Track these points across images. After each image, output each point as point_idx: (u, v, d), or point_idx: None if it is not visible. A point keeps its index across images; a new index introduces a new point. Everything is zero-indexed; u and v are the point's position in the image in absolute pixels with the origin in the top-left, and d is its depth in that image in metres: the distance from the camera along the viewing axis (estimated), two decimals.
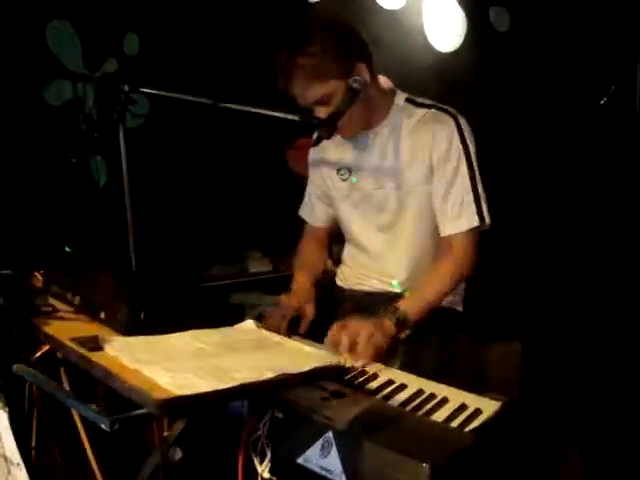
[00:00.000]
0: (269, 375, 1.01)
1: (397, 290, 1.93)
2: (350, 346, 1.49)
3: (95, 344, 1.07)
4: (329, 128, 1.58)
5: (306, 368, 1.07)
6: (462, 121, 1.83)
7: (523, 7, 3.37)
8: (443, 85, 3.07)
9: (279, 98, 1.77)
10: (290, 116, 1.54)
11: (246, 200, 2.99)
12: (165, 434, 1.43)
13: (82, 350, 1.05)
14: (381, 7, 3.22)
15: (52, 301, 1.36)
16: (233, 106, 1.58)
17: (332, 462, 1.21)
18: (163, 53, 2.82)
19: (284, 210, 2.31)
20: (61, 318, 1.25)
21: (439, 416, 1.31)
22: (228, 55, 2.93)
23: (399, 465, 1.10)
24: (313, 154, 2.06)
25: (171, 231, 2.80)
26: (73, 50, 2.67)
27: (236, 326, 1.29)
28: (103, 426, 0.89)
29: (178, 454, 1.23)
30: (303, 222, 2.18)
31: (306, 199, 2.14)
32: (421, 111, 1.86)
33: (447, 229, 1.83)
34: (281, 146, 3.01)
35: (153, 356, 1.05)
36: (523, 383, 2.83)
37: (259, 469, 1.31)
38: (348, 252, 2.08)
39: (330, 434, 1.21)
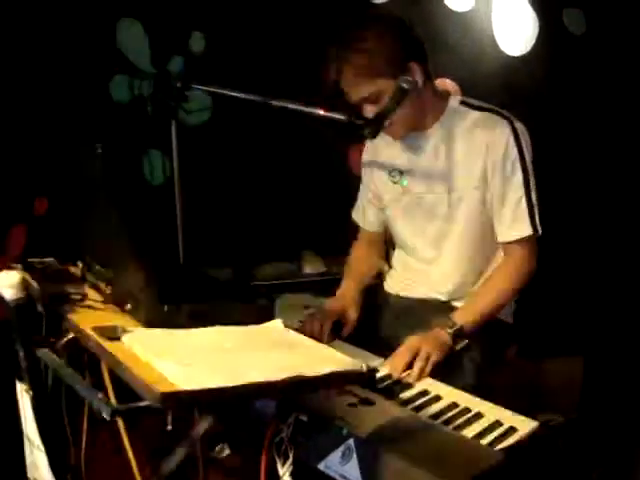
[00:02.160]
0: (283, 376, 0.98)
1: (444, 299, 1.88)
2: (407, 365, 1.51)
3: (113, 333, 1.07)
4: (375, 128, 1.53)
5: (324, 371, 1.03)
6: (518, 126, 1.76)
7: (600, 9, 3.19)
8: (511, 91, 2.96)
9: (332, 97, 1.75)
10: (337, 115, 1.51)
11: (304, 200, 2.98)
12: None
13: (99, 339, 1.06)
14: (449, 9, 3.14)
15: (88, 290, 1.38)
16: (277, 103, 1.56)
17: (352, 470, 1.17)
18: (229, 52, 2.85)
19: (340, 211, 2.28)
20: (90, 307, 1.27)
21: (470, 432, 1.25)
22: (291, 54, 2.93)
23: None
24: (366, 156, 2.03)
25: (226, 228, 2.83)
26: (141, 48, 2.74)
27: (263, 325, 1.27)
28: (104, 414, 0.89)
29: (226, 451, 1.22)
30: (358, 226, 2.14)
31: (358, 202, 2.11)
32: (476, 114, 1.80)
33: (502, 236, 1.79)
34: (340, 147, 2.99)
35: (169, 349, 1.04)
36: (585, 402, 2.71)
37: (280, 471, 1.30)
38: (397, 257, 2.04)
39: (352, 441, 1.17)
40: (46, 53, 2.60)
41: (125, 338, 1.06)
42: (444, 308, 1.84)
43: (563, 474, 2.17)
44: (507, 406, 1.56)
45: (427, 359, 1.53)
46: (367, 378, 1.13)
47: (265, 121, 2.70)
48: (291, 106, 1.56)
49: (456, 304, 1.86)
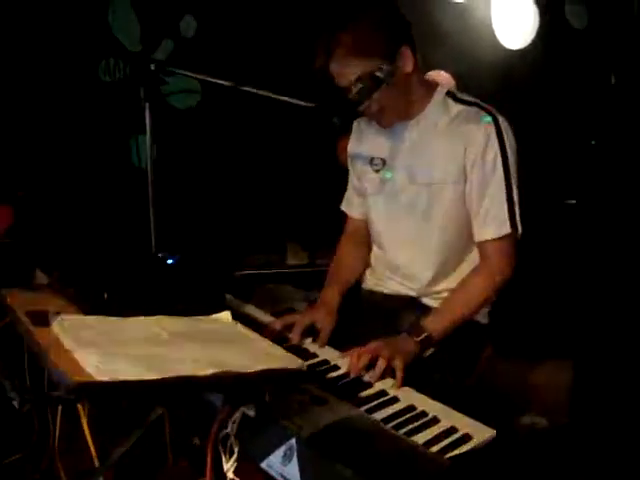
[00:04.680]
0: (210, 371, 0.94)
1: (414, 295, 1.83)
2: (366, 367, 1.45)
3: (44, 319, 1.03)
4: (347, 116, 1.48)
5: (257, 368, 0.98)
6: (502, 122, 1.70)
7: (602, 2, 3.10)
8: (510, 85, 2.89)
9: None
10: (305, 103, 1.46)
11: (291, 191, 2.93)
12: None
13: (28, 323, 1.02)
14: (448, 1, 3.05)
15: (40, 274, 1.34)
16: (246, 88, 1.51)
17: (292, 471, 1.13)
18: (220, 36, 2.81)
19: (327, 203, 2.24)
20: (34, 291, 1.23)
21: (421, 438, 1.20)
22: (282, 39, 2.88)
23: None
24: (351, 145, 1.97)
25: (211, 217, 2.79)
26: (131, 30, 2.70)
27: (211, 316, 1.23)
28: (14, 403, 0.85)
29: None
30: (344, 219, 2.06)
31: (347, 193, 2.05)
32: (460, 107, 1.74)
33: (478, 234, 1.73)
34: (328, 138, 2.94)
35: (97, 338, 1.00)
36: (575, 407, 2.65)
37: (225, 467, 1.26)
38: (372, 252, 1.97)
39: (293, 441, 1.13)
40: (37, 37, 2.57)
41: (54, 325, 1.02)
42: (414, 305, 1.79)
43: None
44: (486, 409, 1.52)
45: (389, 361, 1.46)
46: (307, 377, 1.08)
47: (254, 110, 2.66)
48: (259, 92, 1.50)
49: (425, 301, 1.82)
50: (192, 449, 1.73)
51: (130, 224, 2.01)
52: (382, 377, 1.44)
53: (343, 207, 2.07)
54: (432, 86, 1.79)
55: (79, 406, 1.76)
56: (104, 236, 1.45)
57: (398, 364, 1.44)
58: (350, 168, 2.02)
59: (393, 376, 1.44)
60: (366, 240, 2.02)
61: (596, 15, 3.12)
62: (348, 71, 1.63)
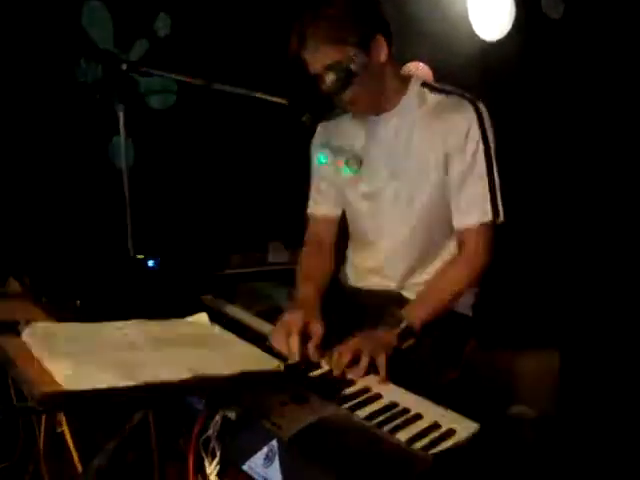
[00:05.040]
0: (185, 375, 0.92)
1: (394, 287, 1.82)
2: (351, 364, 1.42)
3: (14, 328, 1.01)
4: (318, 110, 1.46)
5: (233, 371, 0.97)
6: (482, 108, 1.70)
7: None
8: (487, 76, 2.89)
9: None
10: (276, 99, 1.44)
11: (273, 191, 2.92)
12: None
13: None
14: None
15: (12, 282, 1.32)
16: (218, 86, 1.49)
17: (274, 473, 1.12)
18: (195, 35, 2.78)
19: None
20: (7, 298, 1.21)
21: (405, 435, 1.18)
22: (258, 37, 2.85)
23: None
24: (317, 141, 1.91)
25: (192, 218, 2.77)
26: (105, 30, 2.67)
27: (188, 318, 1.21)
28: None
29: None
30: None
31: (311, 194, 1.97)
32: (437, 97, 1.73)
33: (458, 222, 1.72)
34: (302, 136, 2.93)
35: (69, 346, 0.98)
36: (562, 398, 2.66)
37: (207, 470, 1.25)
38: (351, 248, 1.96)
39: (275, 443, 1.12)
40: (11, 36, 2.53)
41: (24, 334, 1.00)
42: (395, 299, 1.78)
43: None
44: (471, 401, 1.51)
45: (371, 356, 1.44)
46: (285, 378, 1.06)
47: (232, 108, 2.64)
48: (231, 90, 1.48)
49: (406, 294, 1.81)
50: (179, 453, 1.72)
51: (108, 227, 1.98)
52: (367, 373, 1.42)
53: (312, 210, 1.97)
54: (406, 78, 1.77)
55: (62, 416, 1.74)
56: (80, 240, 1.43)
57: (381, 361, 1.42)
58: (316, 172, 1.94)
59: (376, 372, 1.43)
60: (329, 246, 1.94)
61: (573, 5, 3.13)
62: (320, 57, 1.60)
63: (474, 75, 2.86)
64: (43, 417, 1.97)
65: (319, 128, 1.89)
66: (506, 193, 1.74)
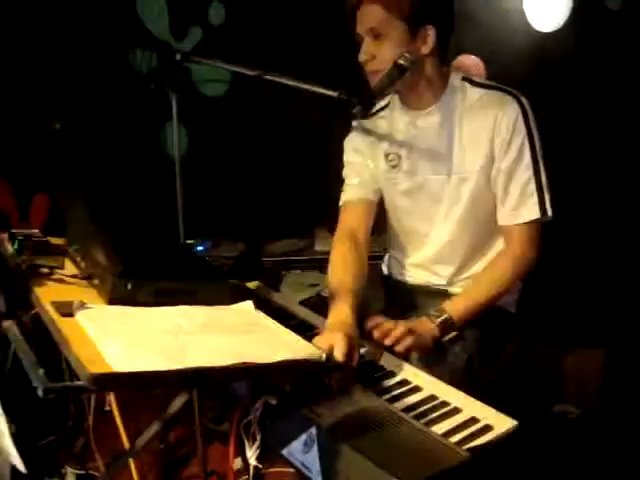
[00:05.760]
0: (229, 362, 0.95)
1: (443, 283, 1.83)
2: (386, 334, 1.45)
3: (68, 309, 1.06)
4: (365, 107, 1.47)
5: (276, 359, 1.00)
6: (526, 103, 1.66)
7: None
8: (541, 69, 2.83)
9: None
10: (327, 92, 1.46)
11: (320, 176, 2.93)
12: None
13: (53, 314, 1.05)
14: None
15: (68, 264, 1.37)
16: (269, 77, 1.51)
17: (312, 460, 1.15)
18: (248, 24, 2.80)
19: None
20: (61, 281, 1.26)
21: (441, 428, 1.20)
22: (311, 26, 2.86)
23: (372, 476, 1.02)
24: (354, 146, 1.87)
25: (240, 203, 2.81)
26: (160, 19, 2.72)
27: (232, 306, 1.24)
28: (39, 392, 0.88)
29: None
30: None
31: (346, 188, 1.89)
32: (480, 91, 1.70)
33: (505, 219, 1.70)
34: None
35: (120, 328, 1.03)
36: (606, 396, 2.61)
37: (248, 454, 1.28)
38: (395, 241, 1.96)
39: (314, 430, 1.15)
40: (66, 24, 2.60)
41: (78, 315, 1.04)
42: (442, 296, 1.77)
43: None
44: (514, 398, 1.50)
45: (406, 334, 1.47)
46: (327, 368, 1.08)
47: (283, 97, 2.66)
48: (282, 81, 1.50)
49: (453, 290, 1.81)
50: (223, 435, 1.77)
51: (160, 213, 2.03)
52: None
53: (343, 199, 1.88)
54: (446, 73, 1.73)
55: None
56: (133, 226, 1.48)
57: (407, 341, 1.46)
58: (350, 166, 1.89)
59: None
60: (364, 236, 1.82)
61: None
62: (369, 18, 1.59)
63: (528, 67, 2.80)
64: (92, 396, 2.06)
65: (354, 123, 1.87)
66: (557, 188, 1.71)
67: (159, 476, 2.26)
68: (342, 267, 1.69)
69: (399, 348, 1.45)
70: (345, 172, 1.89)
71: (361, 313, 1.57)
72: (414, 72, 1.61)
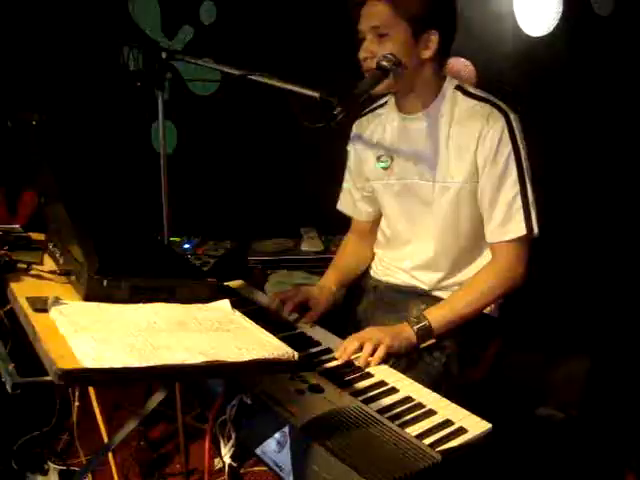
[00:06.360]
0: (200, 360, 0.95)
1: (425, 287, 1.82)
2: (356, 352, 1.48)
3: (43, 305, 1.06)
4: (349, 106, 1.46)
5: (248, 358, 1.00)
6: (514, 119, 1.65)
7: None
8: (531, 73, 2.83)
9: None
10: (309, 92, 1.46)
11: (308, 176, 2.93)
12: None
13: (27, 309, 1.05)
14: None
15: (47, 260, 1.38)
16: (253, 77, 1.52)
17: (284, 459, 1.16)
18: (239, 23, 2.81)
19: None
20: (38, 277, 1.26)
21: (415, 430, 1.21)
22: (303, 25, 2.86)
23: (341, 476, 1.03)
24: (353, 146, 1.92)
25: (227, 202, 2.81)
26: (153, 17, 2.72)
27: (209, 304, 1.24)
28: (8, 387, 0.88)
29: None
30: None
31: (344, 192, 2.00)
32: (470, 102, 1.69)
33: (492, 237, 1.69)
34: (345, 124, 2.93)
35: (93, 324, 1.03)
36: (588, 400, 2.62)
37: (222, 452, 1.28)
38: (382, 242, 1.96)
39: (287, 429, 1.15)
40: (58, 22, 2.60)
41: (52, 310, 1.05)
42: (424, 297, 1.78)
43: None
44: (497, 401, 1.49)
45: (378, 345, 1.48)
46: (298, 366, 1.09)
47: (271, 95, 2.66)
48: (265, 81, 1.51)
49: (437, 294, 1.80)
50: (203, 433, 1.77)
51: (143, 210, 2.04)
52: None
53: (341, 208, 2.03)
54: (442, 79, 1.73)
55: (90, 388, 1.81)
56: (112, 223, 1.48)
57: (380, 352, 1.47)
58: (349, 171, 1.96)
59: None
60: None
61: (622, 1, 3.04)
62: (373, 16, 1.59)
63: (518, 72, 2.81)
64: (77, 391, 2.06)
65: (356, 122, 1.90)
66: (546, 192, 1.70)
67: (140, 474, 2.27)
68: (341, 251, 2.03)
69: (372, 364, 1.46)
70: (345, 178, 1.99)
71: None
72: (414, 75, 1.63)
